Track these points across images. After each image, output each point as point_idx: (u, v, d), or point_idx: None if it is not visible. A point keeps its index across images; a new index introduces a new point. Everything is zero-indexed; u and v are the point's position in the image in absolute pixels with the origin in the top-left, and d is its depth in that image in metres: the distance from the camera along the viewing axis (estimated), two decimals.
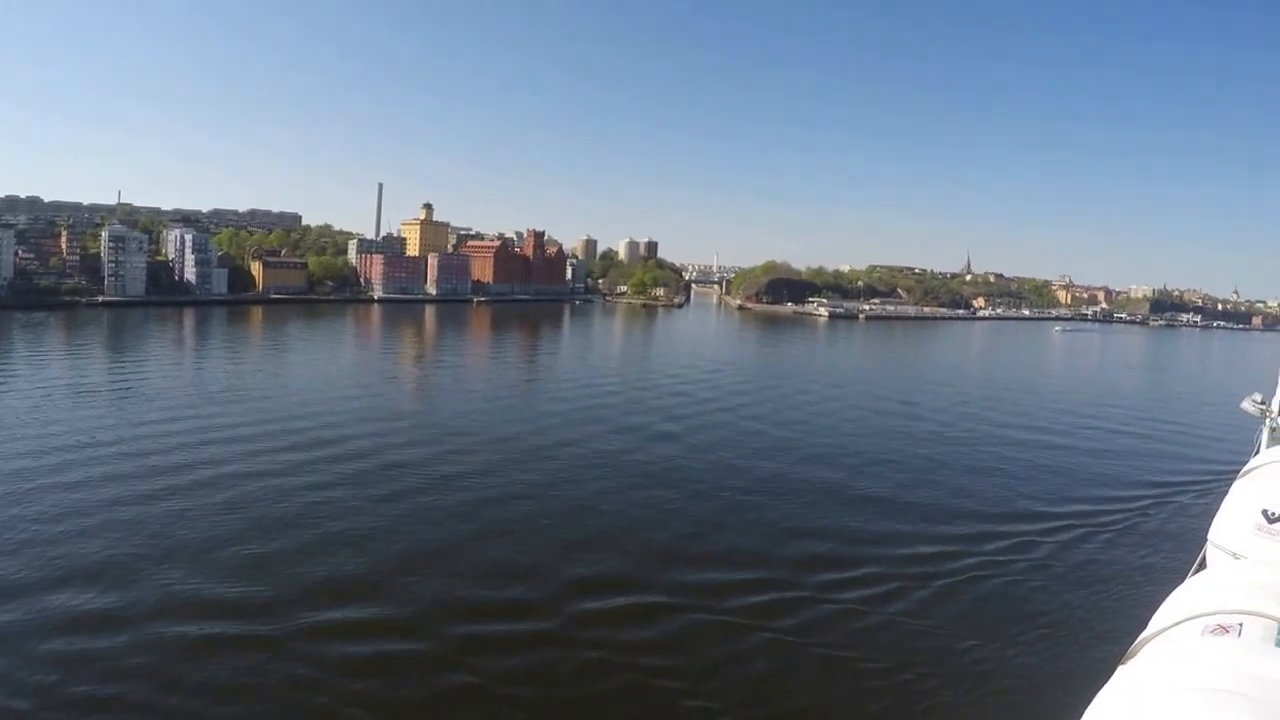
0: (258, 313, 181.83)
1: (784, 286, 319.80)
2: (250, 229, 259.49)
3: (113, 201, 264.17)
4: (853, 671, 26.99)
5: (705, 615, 30.24)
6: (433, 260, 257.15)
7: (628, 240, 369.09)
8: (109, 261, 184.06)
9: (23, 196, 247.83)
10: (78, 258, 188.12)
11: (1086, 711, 6.01)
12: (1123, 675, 6.36)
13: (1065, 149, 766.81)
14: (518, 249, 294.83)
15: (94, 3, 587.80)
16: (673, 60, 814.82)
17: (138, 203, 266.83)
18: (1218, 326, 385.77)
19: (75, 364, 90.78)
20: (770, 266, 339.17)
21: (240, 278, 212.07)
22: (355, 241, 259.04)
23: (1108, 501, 49.01)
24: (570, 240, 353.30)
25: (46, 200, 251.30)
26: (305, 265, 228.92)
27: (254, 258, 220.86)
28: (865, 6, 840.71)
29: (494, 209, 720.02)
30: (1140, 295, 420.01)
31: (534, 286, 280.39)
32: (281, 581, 31.29)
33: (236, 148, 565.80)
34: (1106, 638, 26.51)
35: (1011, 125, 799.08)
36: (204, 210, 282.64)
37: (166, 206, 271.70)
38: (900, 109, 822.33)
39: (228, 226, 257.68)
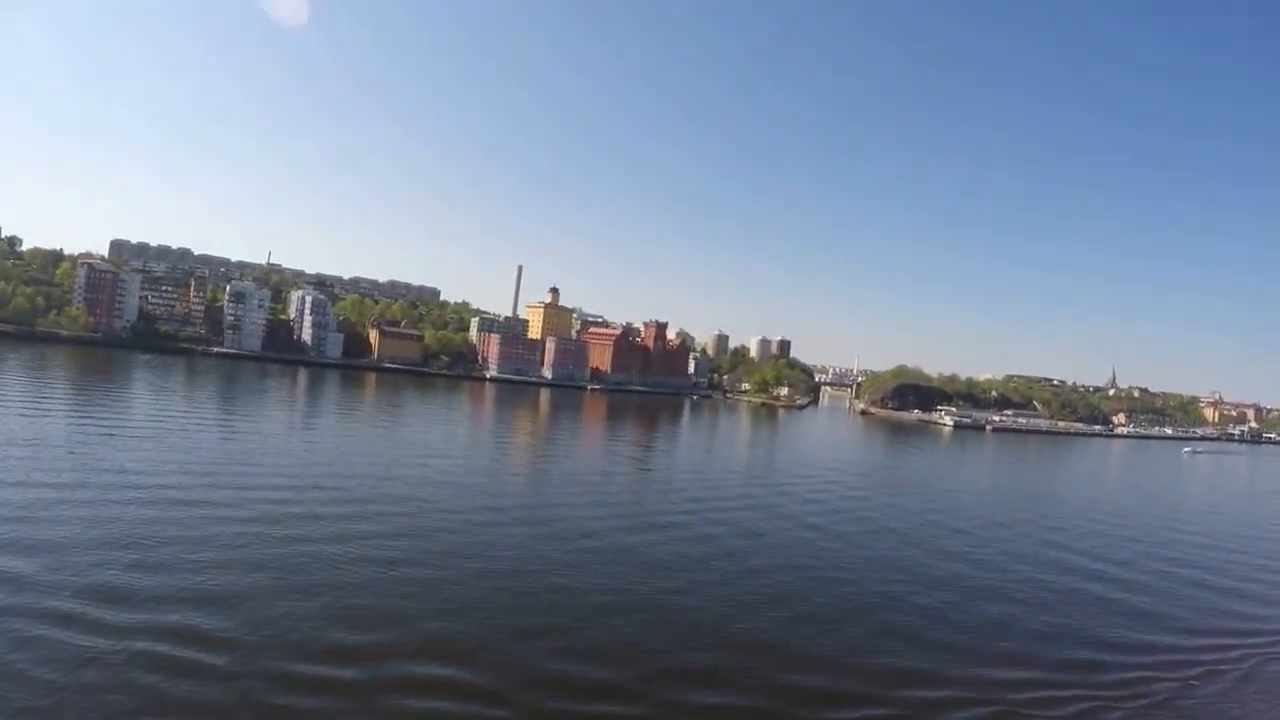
0: (371, 379, 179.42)
1: (912, 392, 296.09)
2: (376, 298, 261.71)
3: (262, 260, 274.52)
4: None
5: None
6: (550, 344, 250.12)
7: (760, 338, 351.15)
8: (229, 315, 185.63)
9: (174, 247, 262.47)
10: (202, 308, 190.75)
11: None
12: None
13: (1221, 261, 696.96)
14: (638, 339, 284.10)
15: (256, 75, 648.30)
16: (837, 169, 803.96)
17: (286, 264, 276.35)
18: None
19: (168, 404, 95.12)
20: (900, 371, 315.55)
21: (356, 343, 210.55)
22: (477, 320, 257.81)
23: None
24: (704, 336, 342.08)
25: (197, 253, 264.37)
26: (421, 338, 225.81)
27: (373, 326, 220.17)
28: (1019, 108, 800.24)
29: (632, 299, 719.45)
30: None
31: (652, 378, 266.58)
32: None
33: (389, 220, 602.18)
34: None
35: (1162, 233, 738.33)
36: (345, 276, 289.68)
37: (310, 270, 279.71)
38: (1050, 208, 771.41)
39: (361, 294, 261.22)
